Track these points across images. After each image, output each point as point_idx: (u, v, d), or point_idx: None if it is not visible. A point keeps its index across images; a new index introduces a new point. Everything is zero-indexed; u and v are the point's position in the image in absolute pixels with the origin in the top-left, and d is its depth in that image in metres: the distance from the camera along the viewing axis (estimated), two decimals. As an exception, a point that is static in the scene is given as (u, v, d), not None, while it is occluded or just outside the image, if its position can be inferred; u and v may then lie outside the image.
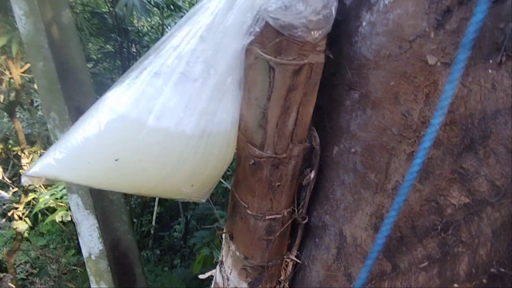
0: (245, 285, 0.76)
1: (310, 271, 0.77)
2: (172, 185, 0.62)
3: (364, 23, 0.62)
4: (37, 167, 0.54)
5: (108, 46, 4.36)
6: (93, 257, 1.24)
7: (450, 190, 0.60)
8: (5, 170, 4.94)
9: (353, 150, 0.67)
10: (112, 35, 3.99)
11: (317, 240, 0.75)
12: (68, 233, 6.13)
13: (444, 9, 0.55)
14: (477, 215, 0.60)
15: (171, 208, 6.75)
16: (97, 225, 1.21)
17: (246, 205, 0.70)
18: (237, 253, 0.76)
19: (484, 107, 0.55)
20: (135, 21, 4.49)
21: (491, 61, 0.54)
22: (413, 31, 0.57)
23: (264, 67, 0.58)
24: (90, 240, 1.23)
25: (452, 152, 0.59)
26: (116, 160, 0.55)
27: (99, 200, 1.26)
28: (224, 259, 0.81)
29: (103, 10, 4.16)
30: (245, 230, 0.73)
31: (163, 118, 0.56)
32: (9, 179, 5.02)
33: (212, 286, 0.88)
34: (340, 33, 0.65)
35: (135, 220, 6.32)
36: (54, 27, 1.24)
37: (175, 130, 0.57)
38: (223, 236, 0.82)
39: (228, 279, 0.80)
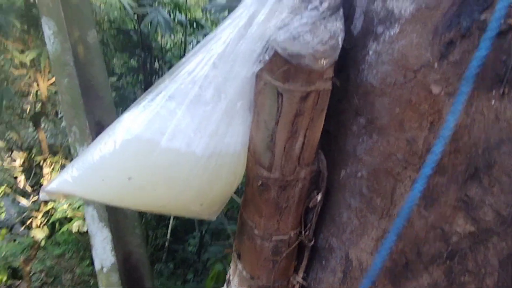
0: (251, 304, 0.77)
1: (315, 293, 0.78)
2: (182, 203, 0.65)
3: (370, 52, 0.64)
4: (54, 183, 0.58)
5: (132, 61, 4.48)
6: (104, 270, 1.27)
7: (455, 217, 0.60)
8: (27, 178, 5.08)
9: (359, 174, 0.68)
10: (136, 50, 4.12)
11: (323, 262, 0.76)
12: (83, 243, 6.22)
13: (447, 41, 0.57)
14: (483, 244, 0.60)
15: (186, 222, 6.78)
16: (111, 237, 1.24)
17: (253, 225, 0.72)
18: (244, 272, 0.77)
19: (487, 136, 0.56)
20: (159, 38, 4.61)
21: (494, 92, 0.55)
22: (417, 61, 0.59)
23: (273, 93, 0.61)
24: (103, 253, 1.26)
25: (457, 180, 0.59)
26: (129, 178, 0.58)
27: (114, 213, 1.30)
28: (231, 278, 0.83)
29: (129, 27, 4.29)
30: (252, 250, 0.74)
31: (175, 139, 0.59)
32: (31, 187, 5.15)
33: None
34: (348, 61, 0.67)
35: (150, 232, 6.37)
36: (80, 46, 1.30)
37: (186, 150, 0.59)
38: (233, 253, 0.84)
39: (234, 298, 0.81)
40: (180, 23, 4.20)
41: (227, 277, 0.84)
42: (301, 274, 0.77)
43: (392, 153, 0.64)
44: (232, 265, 0.82)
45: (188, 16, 4.18)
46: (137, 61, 4.37)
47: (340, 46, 0.59)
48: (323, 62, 0.58)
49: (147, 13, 3.46)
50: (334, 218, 0.73)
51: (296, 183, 0.67)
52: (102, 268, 1.28)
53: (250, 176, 0.70)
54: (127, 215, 1.34)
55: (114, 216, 1.30)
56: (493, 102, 0.55)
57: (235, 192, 0.75)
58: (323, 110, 0.63)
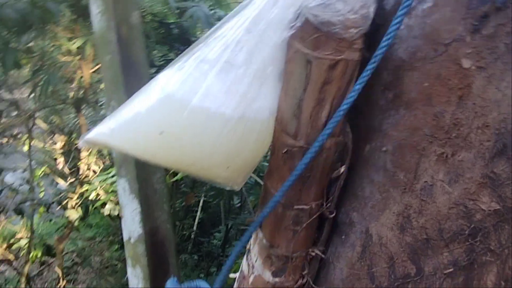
0: (268, 274, 0.79)
1: (334, 268, 0.78)
2: (209, 163, 0.68)
3: (402, 27, 0.64)
4: (93, 133, 0.62)
5: (171, 54, 4.60)
6: (132, 240, 1.32)
7: (480, 194, 0.60)
8: (66, 161, 5.32)
9: (384, 148, 0.69)
10: (176, 44, 4.22)
11: (343, 237, 0.77)
12: (113, 228, 6.44)
13: (481, 14, 0.56)
14: (507, 223, 0.60)
15: (213, 215, 6.88)
16: (140, 210, 1.29)
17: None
18: (264, 241, 0.79)
19: (518, 112, 0.56)
20: (198, 32, 4.71)
21: (527, 67, 0.54)
22: (449, 35, 0.59)
23: (302, 60, 0.62)
24: (132, 224, 1.32)
25: (483, 156, 0.59)
26: (160, 133, 0.61)
27: (144, 187, 1.35)
28: (251, 247, 0.85)
29: (171, 20, 4.41)
30: (272, 219, 0.76)
31: (206, 99, 0.62)
32: (69, 169, 5.39)
33: (237, 275, 0.91)
34: (379, 36, 0.68)
35: (177, 223, 6.50)
36: (124, 26, 1.36)
37: (216, 110, 0.62)
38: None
39: (253, 267, 0.83)
40: (219, 19, 4.26)
41: (248, 247, 0.87)
42: (320, 247, 0.78)
43: (418, 128, 0.64)
44: (253, 235, 0.84)
45: (228, 12, 4.25)
46: (176, 54, 4.48)
47: (371, 17, 0.60)
48: (354, 31, 0.59)
49: (189, 8, 3.55)
50: (357, 192, 0.74)
51: (321, 153, 0.68)
52: (130, 238, 1.34)
53: (275, 145, 0.72)
54: (156, 191, 1.39)
55: (144, 190, 1.35)
56: (525, 76, 0.55)
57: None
58: (351, 80, 0.64)
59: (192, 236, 6.68)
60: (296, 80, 0.64)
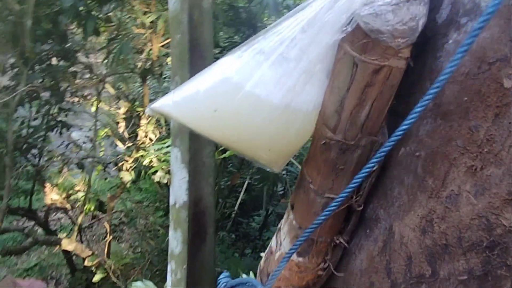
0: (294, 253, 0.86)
1: (355, 259, 0.84)
2: (252, 144, 0.75)
3: (450, 41, 0.67)
4: (158, 103, 0.72)
5: (236, 37, 4.71)
6: (177, 205, 1.45)
7: (503, 210, 0.63)
8: (126, 126, 5.68)
9: (417, 153, 0.72)
10: (242, 27, 4.32)
11: (368, 231, 0.82)
12: (161, 195, 6.80)
13: (529, 38, 0.58)
14: (525, 242, 0.62)
15: (255, 198, 7.02)
16: (187, 179, 1.41)
17: (310, 180, 0.80)
18: (294, 222, 0.86)
19: (551, 136, 0.57)
20: (265, 18, 4.77)
21: None
22: (494, 55, 0.62)
23: (349, 62, 0.67)
24: (179, 190, 1.44)
25: (511, 174, 0.61)
26: (214, 111, 0.69)
27: (194, 159, 1.46)
28: (282, 226, 0.92)
29: (240, 4, 4.51)
30: (304, 203, 0.83)
31: (258, 86, 0.69)
32: (128, 134, 5.74)
33: (266, 251, 0.99)
34: (428, 47, 0.71)
35: (220, 200, 6.72)
36: (196, 9, 1.46)
37: (265, 98, 0.69)
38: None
39: (280, 244, 0.91)
40: (287, 7, 4.30)
41: (279, 226, 0.94)
42: (345, 236, 0.84)
43: (452, 139, 0.67)
44: (285, 215, 0.91)
45: (296, 1, 4.27)
46: (241, 37, 4.59)
47: (420, 29, 0.64)
48: (400, 41, 0.63)
49: (259, -7, 3.62)
50: (386, 191, 0.78)
51: (356, 149, 0.74)
52: (175, 203, 1.46)
53: (316, 136, 0.78)
54: (204, 164, 1.50)
55: (194, 161, 1.47)
56: None
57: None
58: (393, 86, 0.69)
59: (233, 215, 6.89)
60: (341, 80, 0.70)
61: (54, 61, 5.11)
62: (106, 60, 5.01)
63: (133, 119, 5.79)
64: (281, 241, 0.90)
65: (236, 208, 6.79)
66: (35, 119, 5.40)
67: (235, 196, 6.87)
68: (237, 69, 0.70)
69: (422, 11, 0.63)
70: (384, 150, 0.69)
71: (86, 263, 5.23)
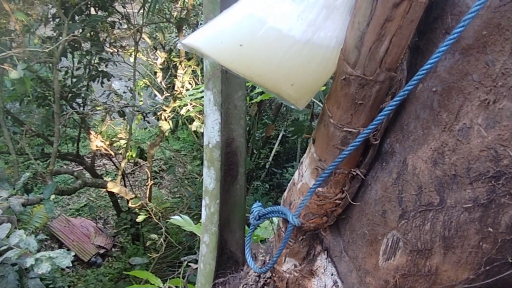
0: (313, 182, 0.93)
1: (370, 189, 0.89)
2: (276, 78, 0.80)
3: (475, -27, 0.67)
4: (188, 39, 0.77)
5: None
6: (210, 145, 1.53)
7: None
8: (164, 76, 5.81)
9: (434, 89, 0.75)
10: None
11: (383, 164, 0.86)
12: (198, 144, 7.04)
13: (553, -33, 0.58)
14: (531, 172, 0.65)
15: (289, 150, 7.13)
16: (220, 120, 1.48)
17: (331, 115, 0.85)
18: (314, 155, 0.92)
19: None
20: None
21: None
22: (518, -14, 0.62)
23: (370, -3, 0.69)
24: (211, 131, 1.52)
25: (522, 106, 0.63)
26: (240, 45, 0.74)
27: (226, 101, 1.53)
28: (304, 159, 0.98)
29: None
30: (324, 136, 0.88)
31: (280, 21, 0.73)
32: (165, 84, 5.88)
33: (289, 182, 1.06)
34: (453, -20, 0.71)
35: (255, 151, 6.86)
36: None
37: (287, 32, 0.73)
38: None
39: (302, 176, 0.97)
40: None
41: (301, 159, 1.00)
42: (362, 169, 0.89)
43: (468, 73, 0.69)
44: (307, 149, 0.97)
45: None
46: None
47: (443, -40, 0.64)
48: (422, -27, 0.64)
49: None
50: (402, 126, 0.82)
51: (374, 84, 0.77)
52: (208, 143, 1.55)
53: (337, 71, 0.81)
54: (236, 106, 1.57)
55: (226, 104, 1.53)
56: None
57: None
58: (413, 21, 0.70)
59: (267, 166, 7.05)
60: (362, 15, 0.72)
61: (92, 11, 5.22)
62: (142, 10, 5.06)
63: (170, 70, 5.90)
64: (303, 172, 0.97)
65: (270, 159, 6.93)
66: (77, 69, 5.63)
67: (269, 147, 6.99)
68: (260, 5, 0.73)
69: None
70: (407, 89, 0.72)
71: (130, 205, 5.61)
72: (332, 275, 0.99)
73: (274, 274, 1.15)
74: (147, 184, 5.81)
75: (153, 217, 5.09)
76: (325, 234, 1.01)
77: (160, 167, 8.34)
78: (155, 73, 6.08)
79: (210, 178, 1.62)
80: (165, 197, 7.49)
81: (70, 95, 5.44)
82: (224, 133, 1.58)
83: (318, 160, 0.90)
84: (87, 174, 6.16)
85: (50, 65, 4.53)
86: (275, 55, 0.75)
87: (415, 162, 0.79)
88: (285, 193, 1.06)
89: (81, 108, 5.85)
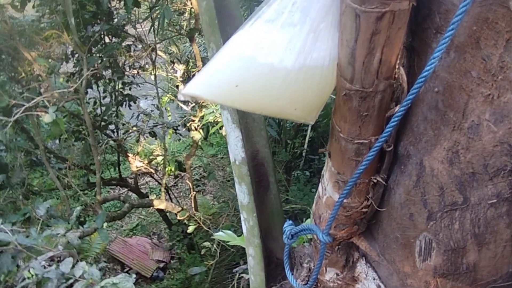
0: (337, 195, 0.94)
1: (394, 194, 0.89)
2: (278, 107, 0.81)
3: (455, -30, 0.65)
4: (187, 89, 0.80)
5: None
6: (237, 162, 1.57)
7: (523, 133, 0.63)
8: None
9: (436, 89, 0.73)
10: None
11: (402, 167, 0.86)
12: (232, 146, 7.11)
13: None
14: (550, 160, 0.63)
15: (323, 134, 7.06)
16: (241, 137, 1.51)
17: (340, 129, 0.85)
18: (332, 168, 0.92)
19: None
20: None
21: None
22: (499, -23, 0.59)
23: (351, 14, 0.69)
24: (235, 149, 1.55)
25: (528, 98, 0.61)
26: (236, 86, 0.76)
27: (244, 117, 1.55)
28: (324, 173, 0.99)
29: None
30: (338, 150, 0.88)
31: (270, 55, 0.74)
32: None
33: (315, 196, 1.08)
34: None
35: (289, 141, 6.85)
36: (213, -29, 1.48)
37: (278, 65, 0.74)
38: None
39: (325, 189, 0.98)
40: None
41: (322, 172, 1.01)
42: (382, 175, 0.89)
43: (467, 70, 0.67)
44: (326, 163, 0.98)
45: None
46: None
47: (417, -34, 0.63)
48: (398, -16, 0.63)
49: None
50: (412, 128, 0.81)
51: (376, 95, 0.76)
52: (235, 161, 1.58)
53: (337, 87, 0.81)
54: (254, 119, 1.58)
55: (244, 119, 1.55)
56: None
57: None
58: (401, 28, 0.69)
59: (303, 154, 7.02)
60: (348, 32, 0.71)
61: (107, 39, 5.38)
62: (152, 28, 5.16)
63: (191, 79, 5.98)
64: (325, 186, 0.98)
65: (305, 146, 6.90)
66: (104, 97, 5.84)
67: (302, 135, 6.96)
68: (248, 43, 0.74)
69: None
70: (410, 98, 0.71)
71: (179, 217, 5.78)
72: (374, 279, 1.00)
73: (319, 284, 1.17)
74: (190, 195, 5.96)
75: (203, 226, 5.23)
76: (360, 241, 1.02)
77: (201, 174, 8.52)
78: (177, 86, 6.20)
79: (243, 194, 1.65)
80: (210, 202, 7.65)
81: (102, 123, 5.67)
82: (247, 148, 1.61)
83: (337, 173, 0.91)
84: (133, 195, 6.41)
85: (78, 101, 4.73)
86: (272, 88, 0.76)
87: (432, 163, 0.78)
88: (313, 206, 1.08)
89: (115, 134, 6.07)
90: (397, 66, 0.75)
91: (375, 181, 0.89)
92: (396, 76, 0.77)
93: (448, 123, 0.73)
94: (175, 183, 8.15)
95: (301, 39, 0.73)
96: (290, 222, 1.06)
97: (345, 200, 0.93)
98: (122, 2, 4.46)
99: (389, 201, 0.91)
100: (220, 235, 2.00)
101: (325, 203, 0.99)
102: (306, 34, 0.72)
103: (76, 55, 5.07)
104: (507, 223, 0.71)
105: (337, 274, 1.08)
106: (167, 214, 6.74)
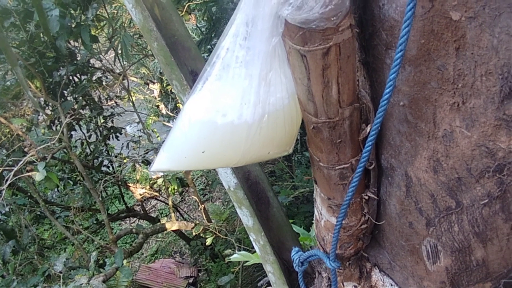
0: (334, 218, 0.92)
1: (388, 205, 0.88)
2: (251, 157, 0.79)
3: (387, -13, 0.63)
4: (155, 165, 0.78)
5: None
6: (231, 188, 1.55)
7: (497, 135, 0.62)
8: (166, 105, 5.86)
9: (401, 103, 0.71)
10: None
11: (389, 179, 0.84)
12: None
13: (459, -36, 0.53)
14: (530, 155, 0.61)
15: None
16: (228, 165, 1.49)
17: (318, 159, 0.83)
18: (322, 194, 0.91)
19: (518, 55, 0.54)
20: None
21: (517, 10, 0.52)
22: (432, -10, 0.57)
23: (297, 55, 0.66)
24: (226, 176, 1.53)
25: (493, 101, 0.60)
26: (202, 152, 0.74)
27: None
28: (316, 197, 0.98)
29: None
30: (322, 178, 0.86)
31: (227, 114, 0.72)
32: (171, 111, 5.93)
33: (314, 218, 1.06)
34: (371, -5, 0.67)
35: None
36: (156, 9, 1.44)
37: (238, 122, 0.72)
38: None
39: (321, 214, 0.97)
40: None
41: (314, 196, 1.00)
42: (372, 189, 0.88)
43: (426, 82, 0.65)
44: (315, 188, 0.96)
45: None
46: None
47: (348, -3, 0.60)
48: (333, 19, 0.60)
49: None
50: (389, 141, 0.79)
51: (343, 122, 0.75)
52: (229, 187, 1.57)
53: (305, 121, 0.79)
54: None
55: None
56: (517, 19, 0.52)
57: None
58: (350, 56, 0.67)
59: (298, 137, 7.00)
60: (298, 72, 0.69)
61: (76, 79, 5.30)
62: (117, 57, 5.08)
63: (169, 96, 5.94)
64: (320, 210, 0.97)
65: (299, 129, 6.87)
66: (89, 136, 5.78)
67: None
68: (202, 107, 0.72)
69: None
70: (378, 122, 0.69)
71: (194, 233, 5.79)
72: (391, 285, 0.99)
73: (340, 297, 1.16)
74: (200, 207, 5.96)
75: (220, 235, 5.23)
76: (369, 252, 1.01)
77: (205, 182, 8.51)
78: (158, 106, 6.15)
79: (246, 217, 1.64)
80: (221, 207, 7.66)
81: (95, 161, 5.62)
82: (238, 171, 1.59)
83: (328, 199, 0.90)
84: (144, 222, 6.39)
85: (65, 149, 4.68)
86: (239, 144, 0.74)
87: (417, 173, 0.76)
88: (315, 228, 1.06)
89: (110, 168, 6.03)
90: (357, 89, 0.73)
91: (366, 198, 0.88)
92: (360, 97, 0.75)
93: (422, 134, 0.71)
94: (182, 199, 8.15)
95: (253, 92, 0.70)
96: (297, 249, 1.05)
97: (343, 222, 0.92)
98: (79, 40, 4.38)
99: (385, 212, 0.90)
100: (236, 257, 2.00)
101: (324, 227, 0.98)
102: (257, 86, 0.70)
103: (50, 104, 5.01)
104: (504, 218, 0.69)
105: (356, 286, 1.07)
106: (183, 231, 6.75)
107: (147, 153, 4.88)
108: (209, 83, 0.71)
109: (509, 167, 0.63)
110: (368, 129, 0.77)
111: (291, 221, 2.03)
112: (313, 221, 1.06)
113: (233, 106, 0.71)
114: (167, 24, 1.48)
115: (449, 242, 0.79)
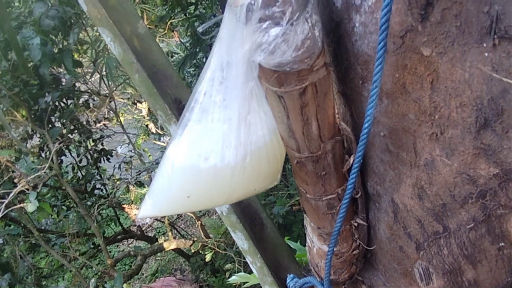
0: (325, 247, 0.92)
1: (378, 230, 0.88)
2: (238, 195, 0.79)
3: (357, 24, 0.63)
4: (141, 213, 0.77)
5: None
6: (224, 213, 1.54)
7: (477, 163, 0.62)
8: (155, 124, 5.84)
9: (382, 133, 0.72)
10: None
11: (377, 204, 0.84)
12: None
13: (424, 3, 0.54)
14: (511, 181, 0.62)
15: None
16: (218, 191, 1.48)
17: (305, 191, 0.83)
18: (312, 224, 0.91)
19: (489, 88, 0.55)
20: None
21: (485, 45, 0.52)
22: (401, 27, 0.58)
23: (274, 96, 0.67)
24: (218, 202, 1.52)
25: (470, 131, 0.60)
26: (188, 197, 0.73)
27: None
28: (306, 226, 0.97)
29: None
30: (310, 209, 0.86)
31: (210, 158, 0.71)
32: (161, 129, 5.89)
33: (306, 245, 1.06)
34: (341, 32, 0.67)
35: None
36: (135, 40, 1.44)
37: (221, 164, 0.71)
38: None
39: (312, 241, 0.97)
40: None
41: (305, 224, 1.00)
42: (360, 216, 0.88)
43: (404, 114, 0.66)
44: (304, 217, 0.96)
45: None
46: None
47: (320, 38, 0.61)
48: (307, 60, 0.61)
49: None
50: (374, 169, 0.79)
51: (326, 155, 0.75)
52: (222, 212, 1.56)
53: (288, 155, 0.79)
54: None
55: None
56: (486, 54, 0.53)
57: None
58: (326, 93, 0.67)
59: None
60: (278, 111, 0.69)
61: (62, 104, 5.26)
62: (102, 79, 5.06)
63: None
64: (312, 239, 0.96)
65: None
66: (80, 160, 5.73)
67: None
68: (184, 153, 0.72)
69: (313, 20, 0.59)
70: (359, 155, 0.70)
71: (193, 249, 5.74)
72: (388, 307, 0.99)
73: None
74: (196, 224, 5.91)
75: (218, 250, 5.20)
76: (363, 275, 1.01)
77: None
78: (147, 125, 6.12)
79: (241, 240, 1.63)
80: (218, 221, 7.61)
81: (87, 184, 5.56)
82: (229, 196, 1.59)
83: (317, 228, 0.90)
84: (142, 243, 6.32)
85: (56, 177, 4.63)
86: (224, 186, 0.74)
87: (403, 200, 0.77)
88: (308, 255, 1.06)
89: (103, 191, 5.97)
90: (337, 122, 0.74)
91: (356, 224, 0.88)
92: (341, 129, 0.75)
93: (404, 163, 0.72)
94: (178, 216, 8.08)
95: (233, 135, 0.70)
96: (292, 276, 1.04)
97: (334, 249, 0.92)
98: (62, 65, 4.36)
99: (376, 236, 0.90)
100: (234, 279, 1.99)
101: (317, 254, 0.98)
102: (236, 129, 0.70)
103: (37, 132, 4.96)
104: (491, 240, 0.70)
105: (353, 309, 1.07)
106: (182, 248, 6.69)
107: (139, 174, 4.84)
108: (189, 128, 0.71)
109: (491, 192, 0.64)
110: (351, 160, 0.77)
111: (286, 238, 2.02)
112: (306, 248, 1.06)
113: (214, 150, 0.71)
114: (147, 55, 1.48)
115: (440, 264, 0.79)
